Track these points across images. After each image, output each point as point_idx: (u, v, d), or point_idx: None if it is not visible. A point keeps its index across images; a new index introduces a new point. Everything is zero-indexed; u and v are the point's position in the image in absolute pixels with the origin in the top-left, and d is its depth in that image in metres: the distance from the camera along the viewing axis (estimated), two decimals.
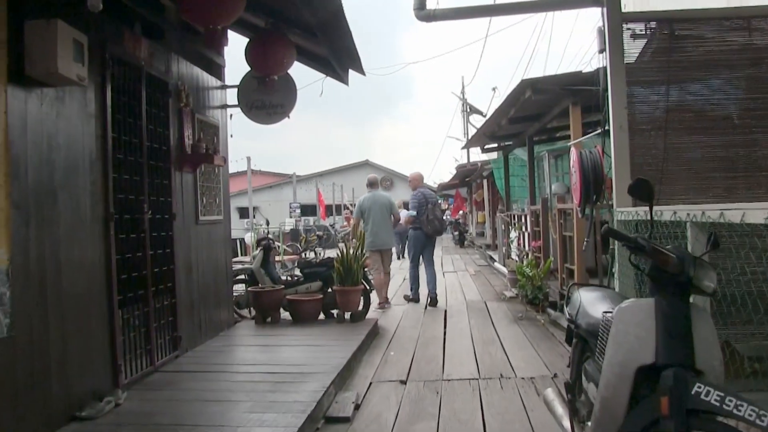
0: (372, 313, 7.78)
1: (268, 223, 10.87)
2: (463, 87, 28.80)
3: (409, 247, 9.52)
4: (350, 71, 7.64)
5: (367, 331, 6.48)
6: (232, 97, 7.10)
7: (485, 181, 21.92)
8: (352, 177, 37.84)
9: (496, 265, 14.23)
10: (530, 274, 7.87)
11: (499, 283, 11.52)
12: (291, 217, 27.49)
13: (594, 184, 6.36)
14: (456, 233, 25.29)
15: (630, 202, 4.34)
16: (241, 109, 6.99)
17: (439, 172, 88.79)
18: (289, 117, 7.31)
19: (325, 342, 6.12)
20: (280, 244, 16.09)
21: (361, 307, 7.37)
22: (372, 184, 9.01)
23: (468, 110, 26.63)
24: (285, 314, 7.37)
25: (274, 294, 7.17)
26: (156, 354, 4.98)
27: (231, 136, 7.70)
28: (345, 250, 7.20)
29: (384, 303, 8.74)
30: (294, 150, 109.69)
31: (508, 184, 14.08)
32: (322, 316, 7.47)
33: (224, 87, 7.05)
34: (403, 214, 9.86)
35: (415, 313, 8.49)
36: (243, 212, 33.11)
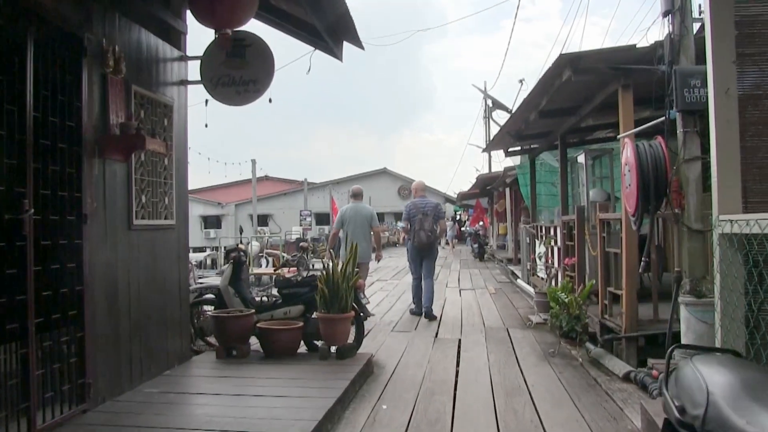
0: (367, 344, 6.27)
1: (241, 231, 9.36)
2: (485, 87, 27.18)
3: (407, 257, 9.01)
4: (346, 45, 6.28)
5: (354, 374, 4.95)
6: (195, 72, 5.70)
7: (507, 190, 20.27)
8: (369, 185, 36.25)
9: (520, 282, 12.62)
10: (566, 300, 6.29)
11: (524, 305, 9.93)
12: (301, 225, 26.12)
13: (655, 186, 4.94)
14: (475, 246, 23.47)
15: (740, 207, 2.79)
16: (205, 85, 5.57)
17: (459, 182, 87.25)
18: (270, 101, 5.89)
19: (297, 389, 4.61)
20: (284, 254, 14.76)
21: (351, 339, 5.82)
22: (355, 195, 8.70)
23: (491, 105, 24.74)
24: (257, 343, 5.88)
25: (241, 320, 5.64)
26: (42, 413, 3.51)
27: (206, 125, 6.35)
28: (331, 267, 5.66)
29: None
30: (316, 159, 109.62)
31: (534, 192, 12.46)
32: (304, 347, 5.98)
33: (184, 59, 5.59)
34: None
35: (422, 343, 6.94)
36: (259, 220, 31.75)
